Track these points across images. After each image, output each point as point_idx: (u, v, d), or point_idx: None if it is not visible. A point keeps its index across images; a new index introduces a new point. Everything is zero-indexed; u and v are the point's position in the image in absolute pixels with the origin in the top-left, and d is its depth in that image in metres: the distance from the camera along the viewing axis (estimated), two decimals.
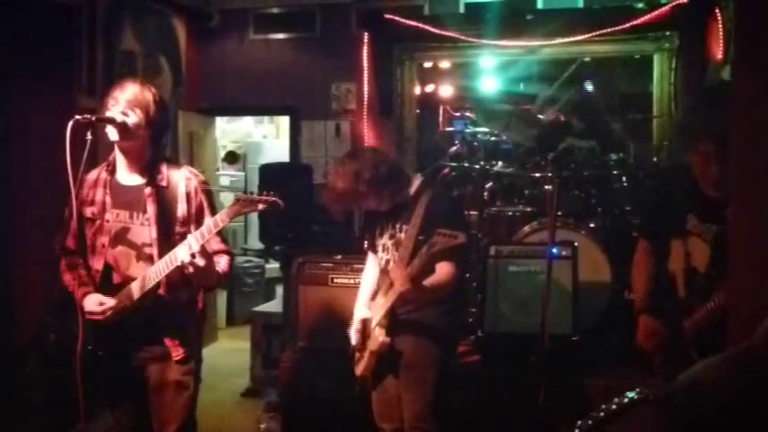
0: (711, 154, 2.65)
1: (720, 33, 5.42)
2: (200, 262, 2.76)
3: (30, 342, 4.85)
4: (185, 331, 3.03)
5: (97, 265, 3.01)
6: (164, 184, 2.99)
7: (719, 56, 5.41)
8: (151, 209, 2.95)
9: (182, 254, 2.78)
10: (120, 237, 2.98)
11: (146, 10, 6.70)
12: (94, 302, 2.93)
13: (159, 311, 2.96)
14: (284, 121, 8.56)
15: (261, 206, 2.75)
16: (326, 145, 7.28)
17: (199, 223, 2.93)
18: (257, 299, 7.82)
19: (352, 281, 4.44)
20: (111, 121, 2.90)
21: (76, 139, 2.72)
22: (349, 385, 3.47)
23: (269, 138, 10.05)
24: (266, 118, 9.94)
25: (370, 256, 3.64)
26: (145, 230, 2.96)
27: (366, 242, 3.67)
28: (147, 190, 2.97)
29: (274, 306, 6.01)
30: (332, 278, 4.52)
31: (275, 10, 7.49)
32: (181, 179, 3.01)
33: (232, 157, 9.24)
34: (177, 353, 2.99)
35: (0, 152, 5.30)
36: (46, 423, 4.71)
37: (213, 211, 2.98)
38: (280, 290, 6.14)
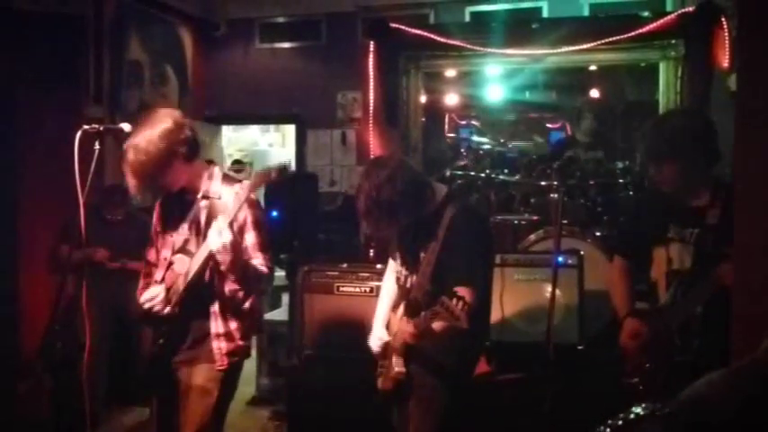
0: (658, 170, 2.94)
1: (726, 42, 5.41)
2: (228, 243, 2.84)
3: (36, 351, 4.87)
4: (233, 339, 3.09)
5: None
6: None
7: (725, 64, 5.41)
8: None
9: (212, 238, 2.85)
10: None
11: (152, 19, 6.74)
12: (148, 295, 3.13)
13: (204, 315, 3.06)
14: (290, 130, 8.59)
15: (273, 174, 2.87)
16: (332, 153, 7.30)
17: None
18: (263, 307, 7.82)
19: (357, 289, 4.44)
20: (119, 130, 2.92)
21: (84, 150, 2.73)
22: (368, 394, 3.43)
23: (275, 146, 10.08)
24: (272, 126, 9.97)
25: (390, 263, 3.48)
26: None
27: (372, 251, 3.59)
28: None
29: (280, 314, 6.01)
30: (337, 286, 4.51)
31: (281, 19, 7.52)
32: None
33: (238, 166, 9.27)
34: (222, 362, 3.06)
35: (8, 161, 5.32)
36: (52, 431, 4.73)
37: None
38: (285, 298, 6.14)
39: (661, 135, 2.94)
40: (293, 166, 7.50)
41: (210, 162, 3.19)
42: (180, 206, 3.14)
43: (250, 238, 3.06)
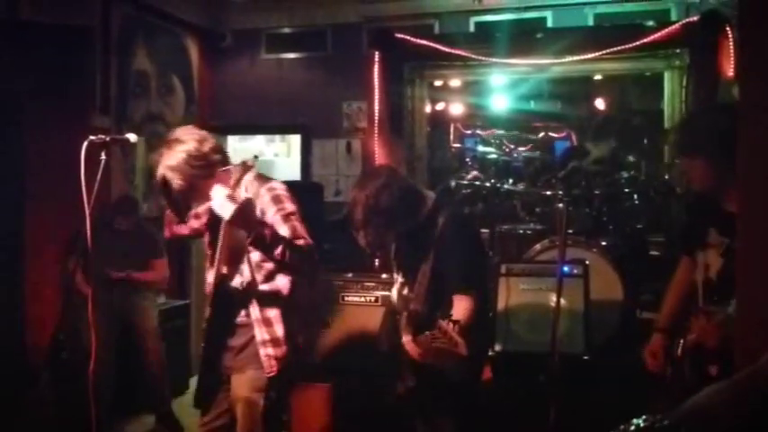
0: (687, 167, 2.88)
1: (731, 51, 5.41)
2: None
3: (42, 359, 4.87)
4: (280, 344, 3.09)
5: None
6: None
7: (730, 73, 5.41)
8: None
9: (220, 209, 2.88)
10: None
11: (158, 30, 6.77)
12: None
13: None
14: (295, 140, 8.60)
15: (249, 163, 3.04)
16: (338, 163, 7.31)
17: None
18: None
19: (363, 299, 4.44)
20: (125, 141, 2.95)
21: (91, 160, 2.75)
22: (373, 403, 3.43)
23: (280, 156, 10.09)
24: (278, 136, 9.99)
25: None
26: None
27: (377, 261, 3.59)
28: None
29: None
30: (343, 296, 4.52)
31: (287, 30, 7.54)
32: None
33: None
34: (272, 369, 3.06)
35: (15, 171, 5.34)
36: None
37: None
38: None
39: (690, 130, 2.89)
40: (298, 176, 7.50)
41: (242, 165, 3.14)
42: (212, 213, 3.15)
43: (271, 212, 3.05)
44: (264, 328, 3.05)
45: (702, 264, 2.84)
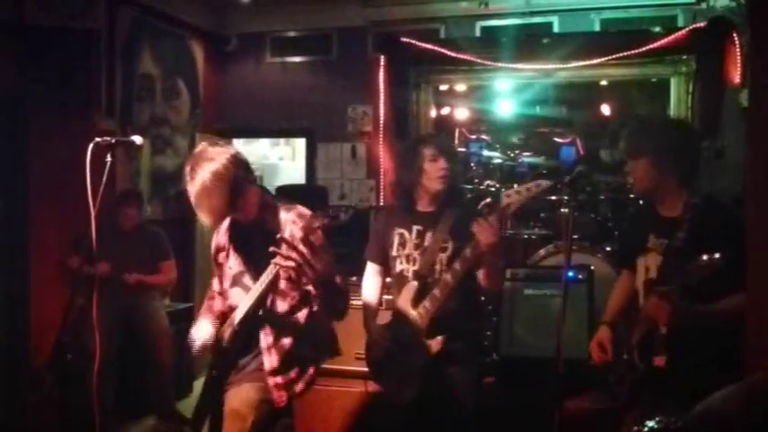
0: (631, 169, 3.01)
1: (738, 57, 5.40)
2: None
3: (46, 362, 4.87)
4: (287, 372, 2.99)
5: None
6: None
7: (737, 80, 5.39)
8: None
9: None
10: None
11: (164, 34, 6.78)
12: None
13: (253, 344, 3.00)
14: (300, 143, 8.61)
15: (326, 220, 2.85)
16: (342, 167, 7.31)
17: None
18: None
19: None
20: (130, 143, 2.94)
21: (96, 162, 2.75)
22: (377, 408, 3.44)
23: (285, 159, 10.11)
24: (282, 140, 10.00)
25: (371, 268, 3.65)
26: None
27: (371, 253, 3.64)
28: None
29: None
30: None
31: (292, 33, 7.55)
32: None
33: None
34: (281, 398, 2.96)
35: (20, 175, 5.35)
36: None
37: None
38: None
39: (638, 132, 3.02)
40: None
41: (262, 188, 3.13)
42: (236, 236, 3.08)
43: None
44: (276, 356, 2.95)
45: (643, 267, 2.98)
